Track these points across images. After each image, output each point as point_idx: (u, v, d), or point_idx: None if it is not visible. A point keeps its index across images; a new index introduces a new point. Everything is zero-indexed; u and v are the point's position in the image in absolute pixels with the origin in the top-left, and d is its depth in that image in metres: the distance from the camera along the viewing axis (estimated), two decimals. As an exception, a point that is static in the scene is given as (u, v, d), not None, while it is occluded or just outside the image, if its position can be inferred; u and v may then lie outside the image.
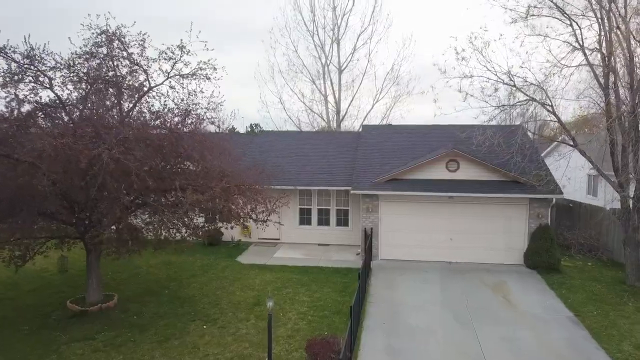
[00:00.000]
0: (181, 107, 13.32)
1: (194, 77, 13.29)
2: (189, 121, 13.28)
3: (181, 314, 13.41)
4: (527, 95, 16.32)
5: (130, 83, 12.69)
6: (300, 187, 20.39)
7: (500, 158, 18.11)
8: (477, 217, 18.14)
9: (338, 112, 39.14)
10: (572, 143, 16.22)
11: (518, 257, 17.96)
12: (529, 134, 16.80)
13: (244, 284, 15.78)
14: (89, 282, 13.81)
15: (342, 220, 20.98)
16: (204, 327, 12.54)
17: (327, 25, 38.28)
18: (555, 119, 16.25)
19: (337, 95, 39.09)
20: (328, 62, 38.72)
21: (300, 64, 41.96)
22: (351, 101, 38.66)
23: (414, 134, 22.12)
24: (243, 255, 19.39)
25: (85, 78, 12.31)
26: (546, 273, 16.80)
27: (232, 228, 14.82)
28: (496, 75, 16.56)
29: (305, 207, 21.15)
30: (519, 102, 16.58)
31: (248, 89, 57.90)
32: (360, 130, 23.10)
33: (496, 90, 16.89)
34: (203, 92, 13.38)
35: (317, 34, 38.54)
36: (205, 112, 13.57)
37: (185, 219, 12.70)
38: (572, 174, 21.18)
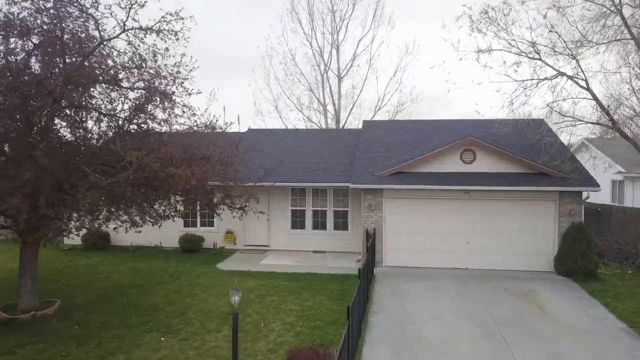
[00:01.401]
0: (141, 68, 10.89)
1: (159, 33, 10.91)
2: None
3: (136, 323, 10.70)
4: (555, 70, 13.91)
5: (78, 35, 10.27)
6: (292, 183, 17.80)
7: (521, 150, 15.63)
8: (497, 215, 15.51)
9: (337, 121, 36.84)
10: (610, 124, 13.70)
11: (547, 262, 15.24)
12: (558, 114, 14.28)
13: (219, 292, 13.08)
14: (21, 285, 11.21)
15: (341, 224, 18.32)
16: (162, 339, 9.84)
17: (326, 30, 36.40)
18: (590, 96, 13.78)
19: (336, 104, 36.88)
20: (327, 69, 36.69)
21: (298, 72, 40.07)
22: (351, 109, 36.46)
23: (421, 129, 19.66)
24: (224, 262, 16.69)
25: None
26: (582, 280, 14.06)
27: (215, 214, 12.12)
28: (518, 48, 14.22)
29: (299, 208, 18.53)
30: (545, 78, 14.14)
31: (243, 96, 55.64)
32: (361, 127, 20.71)
33: (518, 66, 14.52)
34: (168, 50, 10.96)
35: (316, 39, 36.66)
36: (172, 82, 11.11)
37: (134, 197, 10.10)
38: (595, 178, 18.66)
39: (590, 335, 10.19)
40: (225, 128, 12.70)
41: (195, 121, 11.87)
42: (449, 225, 15.71)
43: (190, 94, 11.19)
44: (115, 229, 11.49)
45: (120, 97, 10.89)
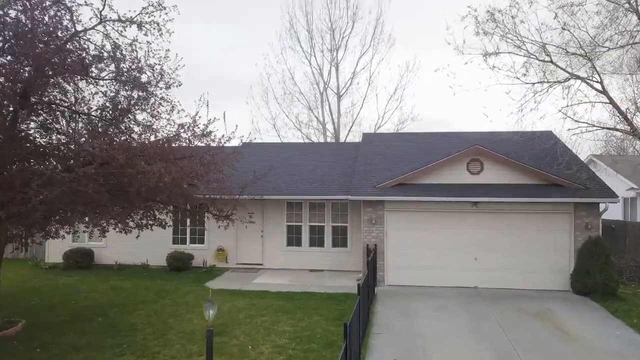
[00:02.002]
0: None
1: (141, 27, 10.02)
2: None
3: (109, 346, 9.52)
4: (567, 72, 13.03)
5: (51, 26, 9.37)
6: (288, 196, 16.76)
7: (531, 161, 14.66)
8: (507, 230, 14.42)
9: (337, 139, 35.95)
10: (628, 129, 12.74)
11: (562, 280, 14.08)
12: (571, 120, 13.35)
13: (206, 311, 11.89)
14: (-18, 301, 10.03)
15: (340, 240, 17.20)
16: (135, 363, 8.65)
17: (325, 48, 35.84)
18: (606, 99, 12.85)
19: (336, 123, 36.07)
20: (326, 87, 36.01)
21: (297, 91, 39.42)
22: (351, 127, 35.64)
23: (424, 142, 18.70)
24: (214, 281, 15.52)
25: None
26: (602, 299, 12.89)
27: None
28: (527, 50, 13.38)
29: (295, 224, 17.43)
30: (557, 80, 13.25)
31: (240, 114, 54.77)
32: (360, 140, 19.80)
33: (527, 70, 13.65)
34: (150, 44, 10.05)
35: (315, 57, 36.05)
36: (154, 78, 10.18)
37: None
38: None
39: (621, 359, 9.01)
40: (225, 141, 11.43)
41: (183, 126, 10.83)
42: (455, 241, 14.60)
43: (170, 87, 10.15)
44: (75, 232, 10.38)
45: (96, 94, 9.92)
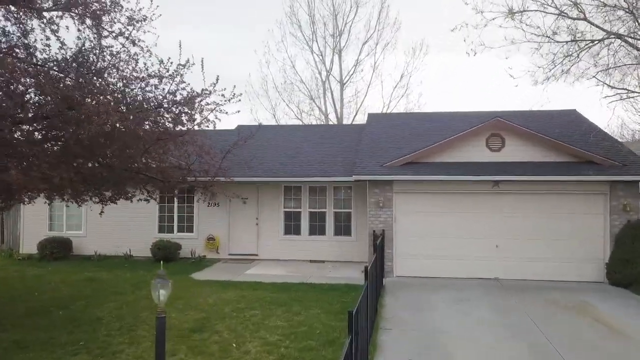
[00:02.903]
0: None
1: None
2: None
3: (63, 343, 7.88)
4: (604, 30, 11.32)
5: None
6: (285, 178, 15.08)
7: (557, 137, 12.96)
8: (533, 213, 12.72)
9: (340, 130, 34.31)
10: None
11: (596, 270, 12.37)
12: (607, 87, 11.64)
13: (188, 304, 10.25)
14: None
15: (343, 228, 15.50)
16: (90, 364, 7.00)
17: (328, 33, 34.20)
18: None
19: (339, 112, 34.42)
20: (329, 74, 34.37)
21: (298, 80, 37.85)
22: (354, 116, 34.00)
23: (436, 121, 16.96)
24: (202, 272, 13.86)
25: None
26: (645, 292, 11.19)
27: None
28: (556, 7, 11.68)
29: (293, 210, 15.74)
30: (592, 40, 11.52)
31: (239, 104, 52.96)
32: (365, 121, 18.13)
33: (556, 30, 11.95)
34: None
35: (317, 43, 34.50)
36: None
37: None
38: None
39: (689, 359, 7.30)
40: (206, 96, 9.48)
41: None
42: (473, 227, 12.91)
43: (134, 23, 8.22)
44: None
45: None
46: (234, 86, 8.76)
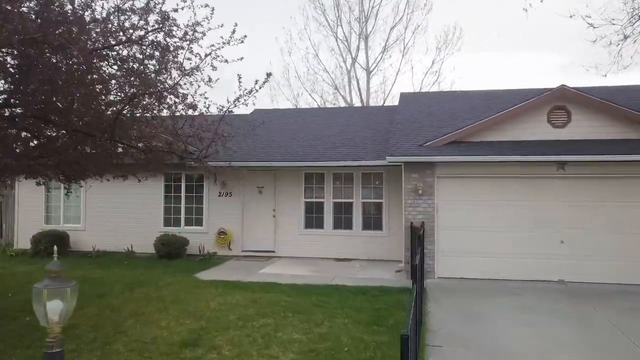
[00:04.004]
0: None
1: None
2: None
3: (9, 355, 6.03)
4: None
5: None
6: (307, 163, 13.05)
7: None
8: (607, 202, 10.42)
9: (366, 121, 32.19)
10: None
11: (690, 273, 9.97)
12: None
13: (185, 309, 8.33)
14: None
15: (373, 221, 13.40)
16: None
17: (353, 18, 32.08)
18: None
19: (365, 102, 32.24)
20: (354, 62, 32.26)
21: (322, 69, 35.97)
22: (382, 105, 31.70)
23: (481, 99, 14.70)
24: (209, 271, 11.95)
25: None
26: None
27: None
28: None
29: (315, 200, 13.72)
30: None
31: (258, 94, 50.82)
32: (398, 102, 15.96)
33: None
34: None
35: (342, 28, 32.38)
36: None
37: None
38: None
39: None
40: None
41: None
42: (533, 218, 10.68)
43: None
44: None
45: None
46: (235, 24, 6.78)
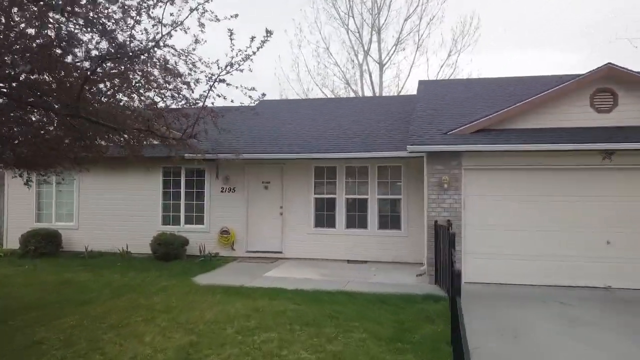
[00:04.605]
0: None
1: None
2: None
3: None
4: None
5: None
6: (317, 154, 11.84)
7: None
8: (662, 197, 9.09)
9: (378, 116, 30.91)
10: None
11: None
12: None
13: (176, 320, 7.17)
14: None
15: (390, 219, 12.16)
16: None
17: (365, 9, 30.93)
18: None
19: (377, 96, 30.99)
20: (366, 55, 31.02)
21: (332, 63, 34.83)
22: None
23: (506, 86, 13.40)
24: (209, 274, 10.80)
25: None
26: None
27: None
28: None
29: (326, 196, 12.51)
30: None
31: (268, 87, 49.33)
32: (417, 90, 14.70)
33: None
34: None
35: (353, 19, 31.16)
36: None
37: None
38: None
39: None
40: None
41: None
42: (573, 216, 9.39)
43: None
44: None
45: None
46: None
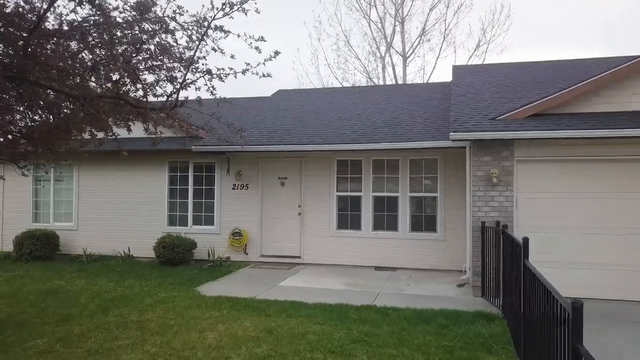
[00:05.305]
0: None
1: None
2: None
3: None
4: None
5: None
6: (340, 146, 10.37)
7: None
8: None
9: (402, 111, 29.31)
10: None
11: None
12: None
13: (169, 344, 5.79)
14: None
15: (424, 220, 10.63)
16: None
17: (388, 0, 29.25)
18: None
19: (400, 91, 29.37)
20: (389, 47, 29.48)
21: (353, 56, 33.37)
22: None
23: (549, 71, 11.77)
24: (217, 282, 9.42)
25: None
26: None
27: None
28: None
29: (350, 194, 11.05)
30: None
31: (285, 81, 47.56)
32: (452, 75, 13.15)
33: None
34: None
35: (375, 9, 29.70)
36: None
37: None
38: None
39: None
40: None
41: None
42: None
43: None
44: None
45: None
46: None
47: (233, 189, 11.58)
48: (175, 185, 11.99)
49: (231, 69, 5.10)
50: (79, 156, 7.83)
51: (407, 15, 29.25)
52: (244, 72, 5.06)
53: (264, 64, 5.17)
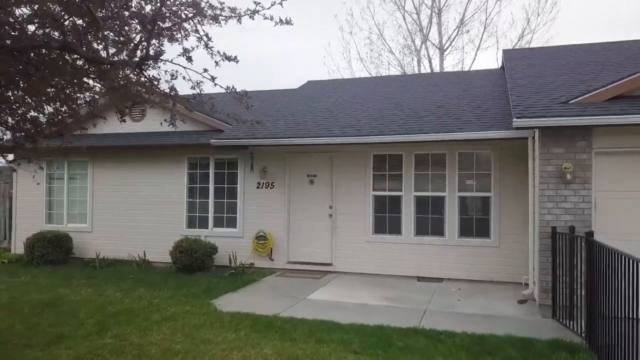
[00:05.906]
0: None
1: None
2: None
3: None
4: None
5: None
6: (377, 138, 9.03)
7: None
8: None
9: (438, 107, 27.71)
10: None
11: None
12: None
13: (168, 381, 4.62)
14: None
15: (475, 224, 9.18)
16: None
17: (424, -9, 27.69)
18: None
19: (437, 85, 27.80)
20: (425, 39, 27.95)
21: (387, 50, 31.87)
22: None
23: (613, 53, 10.16)
24: (236, 294, 8.25)
25: None
26: None
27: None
28: None
29: (389, 193, 9.70)
30: None
31: (316, 77, 46.45)
32: (502, 60, 11.62)
33: None
34: None
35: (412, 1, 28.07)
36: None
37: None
38: None
39: None
40: None
41: None
42: None
43: None
44: None
45: None
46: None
47: (257, 187, 10.43)
48: (195, 184, 10.93)
49: (233, 9, 3.87)
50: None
51: (444, 5, 27.62)
52: (252, 14, 3.81)
53: (280, 4, 3.91)
